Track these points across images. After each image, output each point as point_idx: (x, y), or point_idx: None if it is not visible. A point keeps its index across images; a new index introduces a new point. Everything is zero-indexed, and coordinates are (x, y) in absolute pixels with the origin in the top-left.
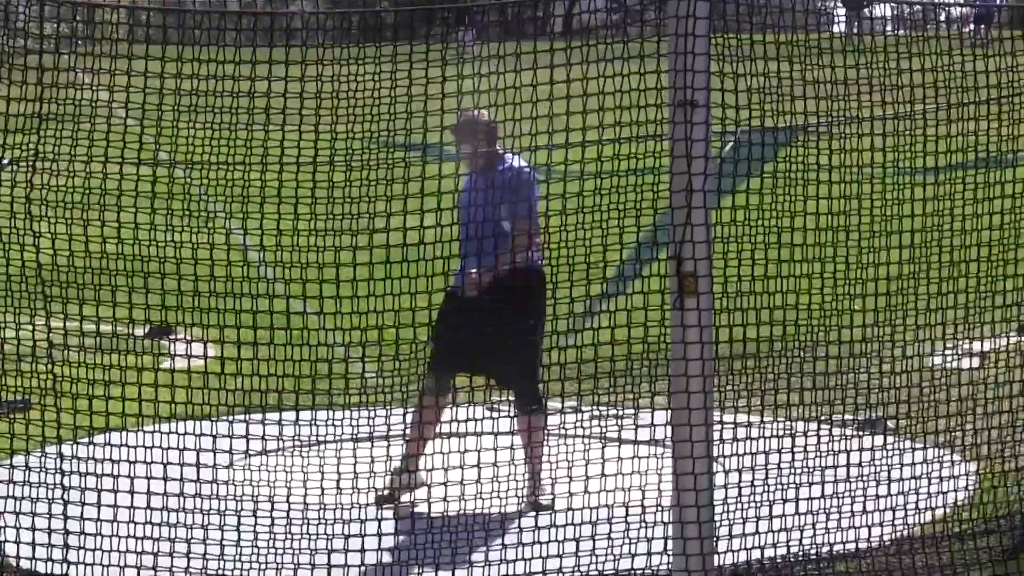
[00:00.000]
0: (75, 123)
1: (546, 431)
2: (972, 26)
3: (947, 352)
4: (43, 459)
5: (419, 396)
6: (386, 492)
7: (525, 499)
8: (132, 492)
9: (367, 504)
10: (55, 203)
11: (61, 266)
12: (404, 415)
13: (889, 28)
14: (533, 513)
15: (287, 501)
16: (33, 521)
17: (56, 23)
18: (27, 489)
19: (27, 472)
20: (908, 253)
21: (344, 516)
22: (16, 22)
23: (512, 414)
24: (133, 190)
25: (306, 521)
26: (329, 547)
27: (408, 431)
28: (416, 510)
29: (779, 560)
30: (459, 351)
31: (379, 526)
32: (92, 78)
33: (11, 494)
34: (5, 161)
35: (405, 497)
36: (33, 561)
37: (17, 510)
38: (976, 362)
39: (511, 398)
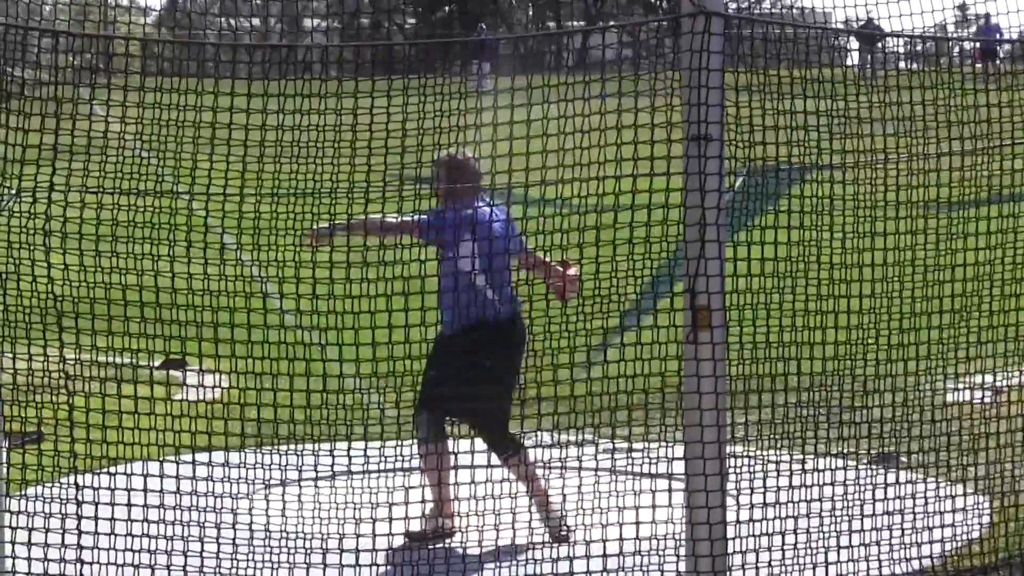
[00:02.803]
0: (88, 155)
1: (531, 464)
2: (980, 62)
3: (960, 386)
4: (57, 491)
5: (422, 445)
6: (418, 532)
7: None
8: (145, 522)
9: (380, 536)
10: (70, 234)
11: (76, 298)
12: (417, 462)
13: (902, 64)
14: (552, 545)
15: (302, 534)
16: (45, 552)
17: (71, 55)
18: (42, 521)
19: (42, 504)
20: (922, 289)
21: (359, 548)
22: (31, 54)
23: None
24: (147, 222)
25: (321, 553)
26: None
27: (426, 480)
28: (418, 543)
29: None
30: (446, 394)
31: (391, 556)
32: (106, 110)
33: (26, 525)
34: (14, 192)
35: (435, 541)
36: None
37: (31, 541)
38: (989, 396)
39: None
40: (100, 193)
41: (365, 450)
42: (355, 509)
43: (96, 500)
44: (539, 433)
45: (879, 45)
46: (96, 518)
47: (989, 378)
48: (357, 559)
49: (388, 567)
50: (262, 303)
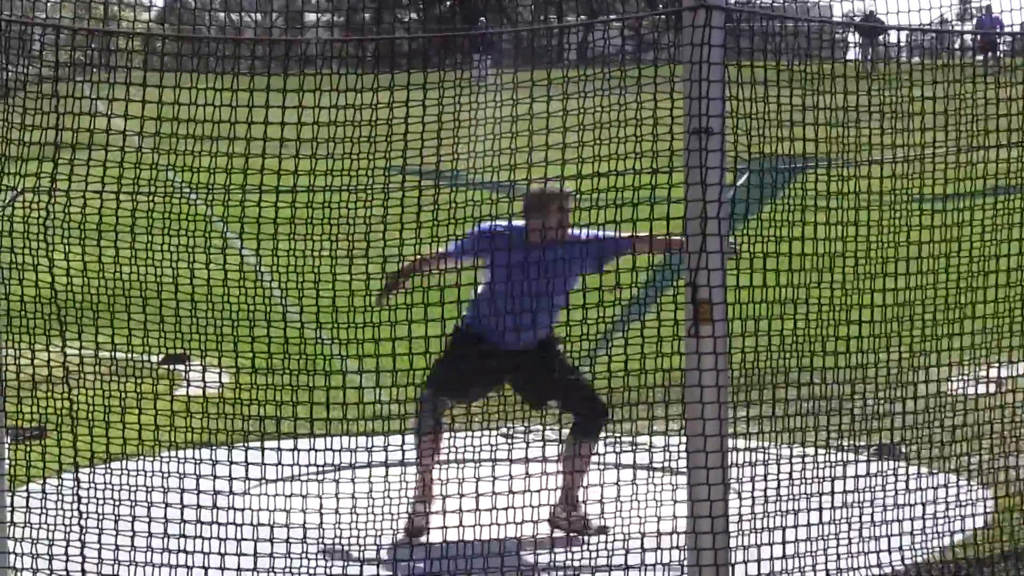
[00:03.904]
0: (90, 150)
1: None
2: (981, 55)
3: (963, 378)
4: (59, 486)
5: (421, 432)
6: (412, 527)
7: (568, 522)
8: (149, 519)
9: (381, 533)
10: (71, 229)
11: (77, 292)
12: (413, 450)
13: (904, 56)
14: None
15: (302, 528)
16: (51, 548)
17: (71, 50)
18: (43, 516)
19: (43, 499)
20: (924, 280)
21: (358, 544)
22: (31, 49)
23: (562, 437)
24: (148, 217)
25: (320, 549)
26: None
27: (420, 468)
28: (433, 540)
29: None
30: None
31: (393, 553)
32: (107, 105)
33: (27, 521)
34: (18, 189)
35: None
36: None
37: (34, 537)
38: (992, 388)
39: (572, 422)
40: (102, 189)
41: (370, 445)
42: (355, 504)
43: (98, 496)
44: (543, 427)
45: (880, 38)
46: (100, 515)
47: (992, 370)
48: (362, 555)
49: (393, 563)
50: (264, 298)
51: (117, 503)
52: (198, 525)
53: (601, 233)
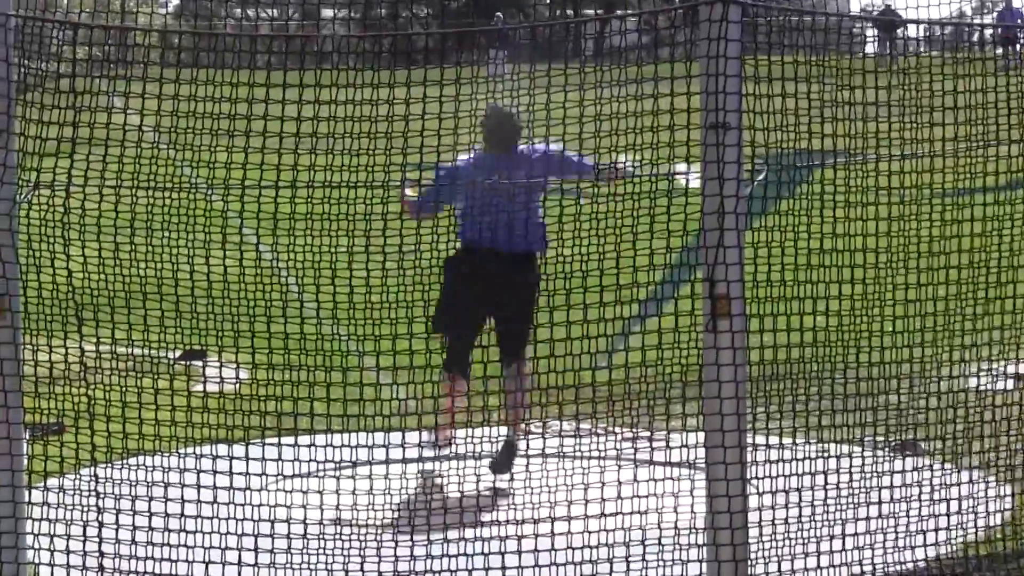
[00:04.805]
0: (106, 146)
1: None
2: (1000, 49)
3: (986, 374)
4: (77, 482)
5: (445, 374)
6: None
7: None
8: (166, 515)
9: (398, 526)
10: (88, 226)
11: (94, 288)
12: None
13: (922, 49)
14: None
15: (320, 524)
16: (68, 544)
17: (88, 47)
18: (62, 512)
19: (62, 495)
20: (945, 275)
21: (373, 540)
22: (49, 46)
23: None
24: (166, 213)
25: (337, 544)
26: (363, 570)
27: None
28: (437, 533)
29: None
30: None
31: (394, 550)
32: (124, 101)
33: (46, 516)
34: (32, 185)
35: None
36: None
37: (52, 533)
38: (1014, 384)
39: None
40: (118, 185)
41: (387, 441)
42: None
43: (117, 492)
44: (560, 422)
45: (898, 32)
46: (117, 510)
47: (1012, 366)
48: (362, 549)
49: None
50: (281, 293)
51: (134, 498)
52: (215, 521)
53: (548, 149)
